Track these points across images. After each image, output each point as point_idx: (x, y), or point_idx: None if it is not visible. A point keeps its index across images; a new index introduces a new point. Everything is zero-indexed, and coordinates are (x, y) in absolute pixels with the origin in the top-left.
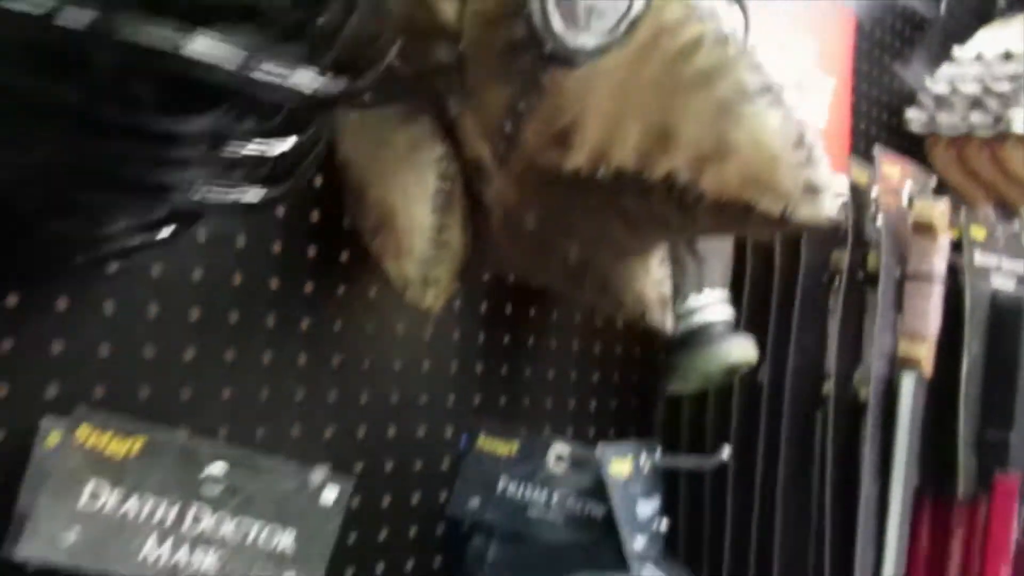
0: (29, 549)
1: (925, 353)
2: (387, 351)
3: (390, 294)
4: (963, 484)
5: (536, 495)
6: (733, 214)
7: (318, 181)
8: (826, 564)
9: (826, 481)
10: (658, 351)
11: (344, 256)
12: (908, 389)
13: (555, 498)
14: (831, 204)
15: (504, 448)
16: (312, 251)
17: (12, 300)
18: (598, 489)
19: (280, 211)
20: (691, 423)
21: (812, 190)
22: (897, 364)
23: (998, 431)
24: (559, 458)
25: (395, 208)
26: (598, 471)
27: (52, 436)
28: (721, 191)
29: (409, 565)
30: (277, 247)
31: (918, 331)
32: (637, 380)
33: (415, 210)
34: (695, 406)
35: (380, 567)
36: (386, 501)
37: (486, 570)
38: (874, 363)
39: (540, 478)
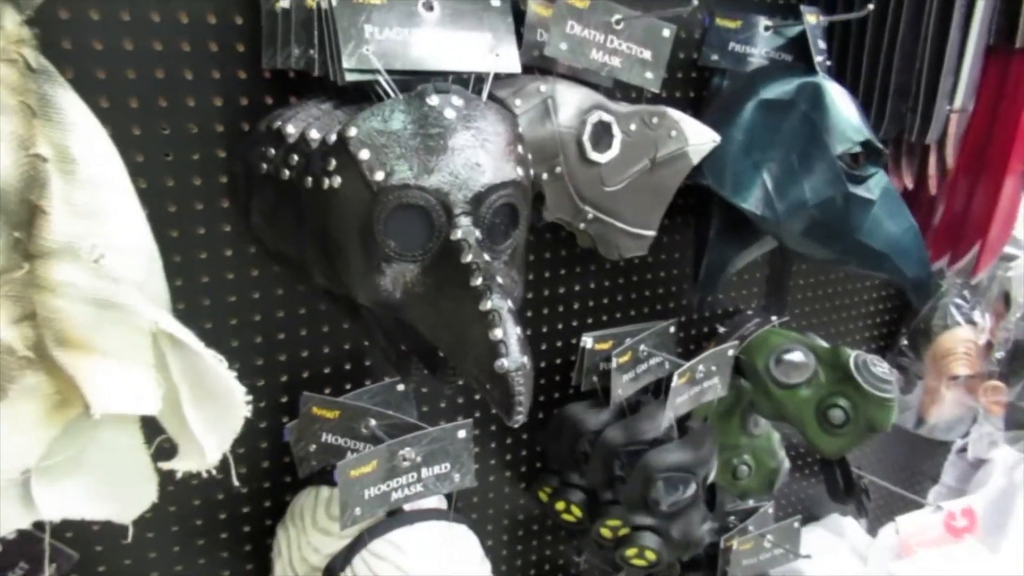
0: None
1: None
2: None
3: None
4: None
5: (751, 49)
6: None
7: None
8: (922, 84)
9: (929, 26)
10: None
11: None
12: None
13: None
14: None
15: (732, 24)
16: None
17: None
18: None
19: None
20: None
21: None
22: None
23: None
24: (766, 27)
25: None
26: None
27: None
28: None
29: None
30: None
31: None
32: None
33: None
34: None
35: None
36: None
37: (724, 93)
38: None
39: (753, 39)
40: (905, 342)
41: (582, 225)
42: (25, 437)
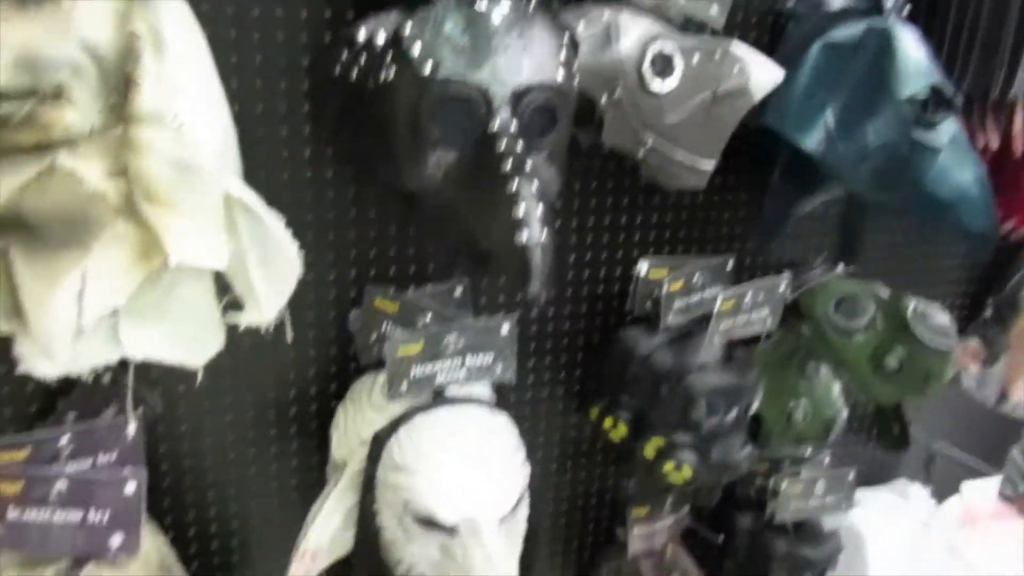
0: None
1: None
2: None
3: None
4: None
5: None
6: None
7: None
8: (1012, 38)
9: None
10: None
11: None
12: None
13: None
14: None
15: None
16: None
17: None
18: None
19: None
20: None
21: None
22: None
23: None
24: None
25: None
26: None
27: None
28: None
29: None
30: None
31: None
32: None
33: None
34: None
35: None
36: None
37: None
38: None
39: None
40: (990, 313)
41: (641, 153)
42: (115, 280)
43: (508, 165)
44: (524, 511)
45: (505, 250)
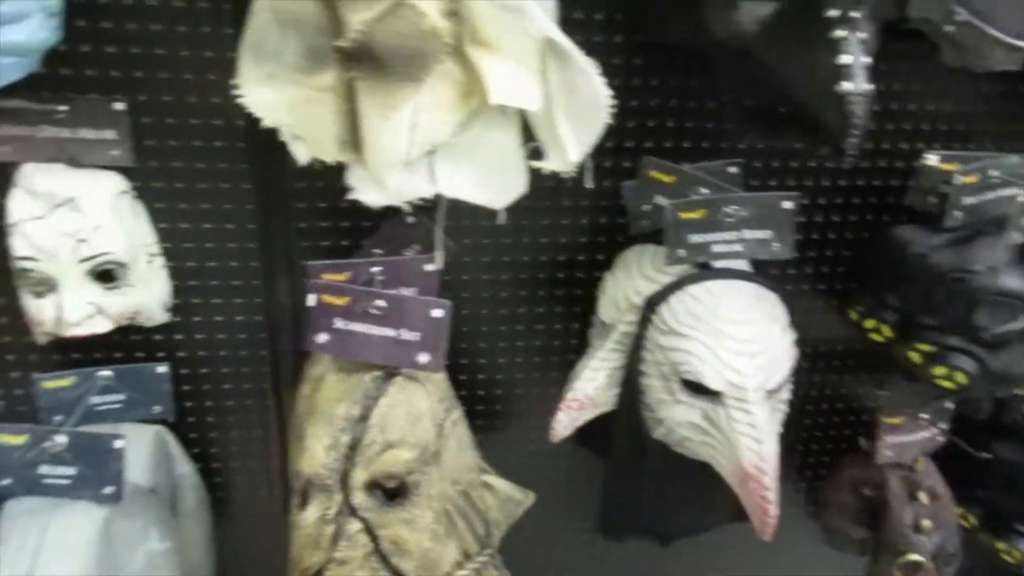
0: None
1: None
2: None
3: None
4: None
5: None
6: None
7: None
8: None
9: None
10: None
11: None
12: None
13: None
14: None
15: None
16: None
17: None
18: None
19: None
20: None
21: None
22: None
23: None
24: None
25: None
26: None
27: None
28: None
29: None
30: None
31: None
32: None
33: None
34: None
35: None
36: None
37: None
38: None
39: None
40: None
41: (949, 28)
42: (440, 115)
43: (834, 9)
44: (786, 394)
45: (824, 99)
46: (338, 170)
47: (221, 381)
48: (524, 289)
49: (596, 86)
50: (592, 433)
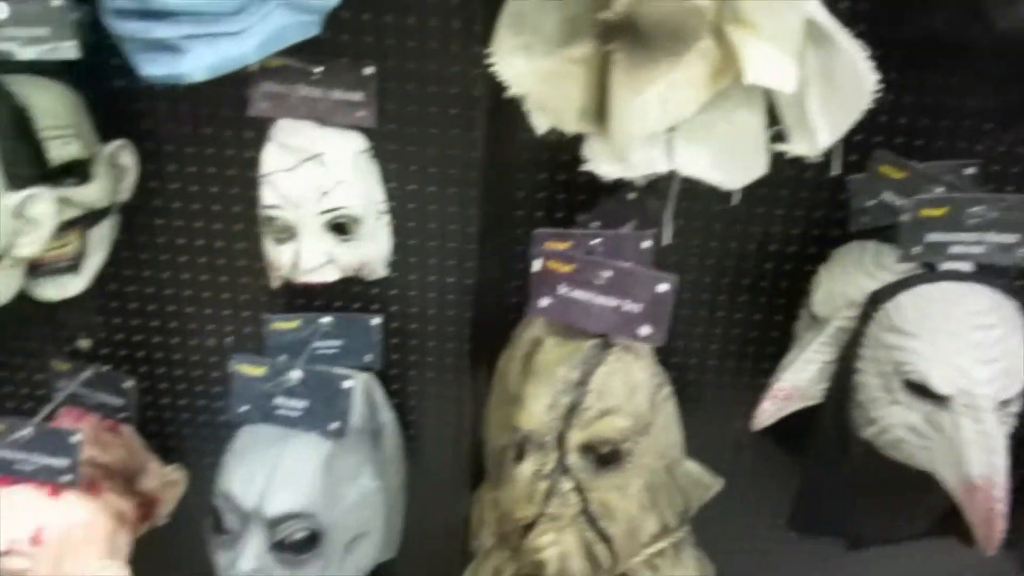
0: None
1: None
2: None
3: None
4: None
5: None
6: None
7: None
8: None
9: None
10: None
11: None
12: None
13: None
14: None
15: None
16: None
17: None
18: None
19: None
20: None
21: None
22: None
23: None
24: None
25: None
26: None
27: None
28: None
29: None
30: None
31: None
32: None
33: None
34: None
35: None
36: None
37: None
38: None
39: None
40: None
41: None
42: (691, 92)
43: None
44: (1017, 408)
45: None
46: (565, 144)
47: (426, 339)
48: (727, 277)
49: (861, 71)
50: (784, 428)
